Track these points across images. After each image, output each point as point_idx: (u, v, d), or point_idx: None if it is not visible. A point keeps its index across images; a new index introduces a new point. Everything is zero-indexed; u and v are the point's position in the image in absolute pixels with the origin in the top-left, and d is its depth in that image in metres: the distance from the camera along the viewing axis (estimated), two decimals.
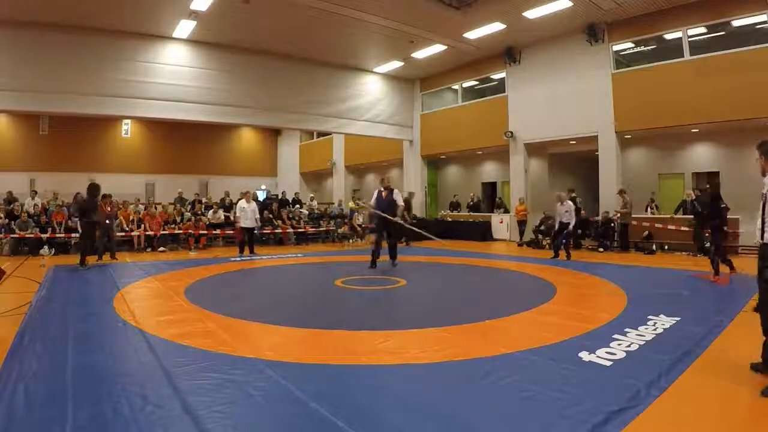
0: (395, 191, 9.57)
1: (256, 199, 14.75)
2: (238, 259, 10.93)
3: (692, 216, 10.40)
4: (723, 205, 8.64)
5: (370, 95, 17.86)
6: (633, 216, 12.13)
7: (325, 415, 2.69)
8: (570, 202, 10.47)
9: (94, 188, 9.80)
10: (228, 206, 15.17)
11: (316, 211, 17.16)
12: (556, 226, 10.57)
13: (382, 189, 9.51)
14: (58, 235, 12.18)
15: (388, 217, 9.15)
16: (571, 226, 10.31)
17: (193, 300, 6.03)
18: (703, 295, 6.49)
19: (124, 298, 6.16)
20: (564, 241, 10.43)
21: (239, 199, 12.11)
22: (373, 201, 9.53)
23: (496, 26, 13.37)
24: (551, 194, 14.00)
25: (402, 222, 9.54)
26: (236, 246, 12.39)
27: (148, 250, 12.63)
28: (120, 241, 12.29)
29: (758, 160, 3.31)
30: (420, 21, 13.04)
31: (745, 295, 6.13)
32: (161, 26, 13.06)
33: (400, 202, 9.45)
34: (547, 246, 12.83)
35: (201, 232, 13.51)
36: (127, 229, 12.73)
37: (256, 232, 12.27)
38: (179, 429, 2.56)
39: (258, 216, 11.94)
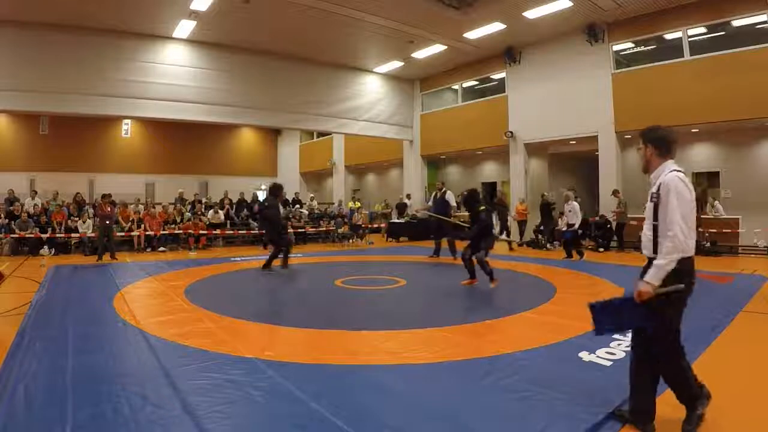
0: (447, 192, 10.28)
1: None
2: (311, 254, 11.88)
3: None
4: (482, 208, 7.00)
5: (370, 95, 17.85)
6: (631, 216, 12.13)
7: (325, 415, 2.69)
8: (574, 202, 10.51)
9: (276, 189, 9.37)
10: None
11: (316, 211, 17.17)
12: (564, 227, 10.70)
13: (438, 191, 10.40)
14: (58, 235, 12.18)
15: (441, 217, 9.83)
16: (576, 226, 10.32)
17: (193, 300, 6.02)
18: (703, 294, 6.46)
19: (124, 298, 6.16)
20: (571, 240, 10.55)
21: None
22: (430, 202, 10.42)
23: (496, 26, 13.36)
24: (551, 194, 14.04)
25: (455, 222, 9.82)
26: (238, 246, 12.41)
27: (148, 250, 12.63)
28: (120, 241, 12.29)
29: (641, 149, 2.64)
30: (420, 21, 13.03)
31: (747, 295, 6.12)
32: (161, 26, 13.05)
33: (453, 203, 10.13)
34: (548, 246, 12.85)
35: (201, 232, 13.51)
36: (125, 228, 12.74)
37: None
38: (179, 429, 2.56)
39: (289, 215, 12.94)
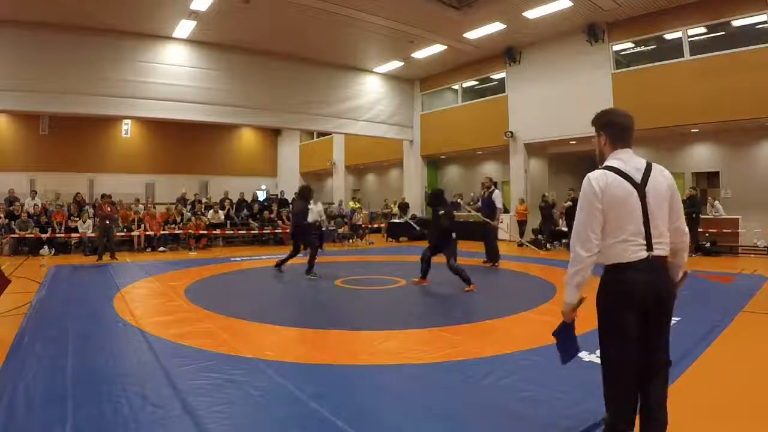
0: (495, 192, 9.37)
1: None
2: (301, 255, 11.49)
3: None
4: (441, 212, 6.84)
5: (370, 95, 17.85)
6: None
7: (325, 415, 2.69)
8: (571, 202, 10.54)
9: (305, 191, 8.78)
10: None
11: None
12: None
13: (486, 189, 9.61)
14: (58, 235, 12.18)
15: (486, 220, 9.29)
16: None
17: (193, 300, 6.03)
18: (703, 294, 6.47)
19: (124, 298, 6.16)
20: None
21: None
22: (479, 203, 9.88)
23: (496, 26, 13.36)
24: (551, 194, 14.04)
25: (494, 224, 9.38)
26: (238, 246, 12.41)
27: (148, 250, 12.63)
28: (120, 241, 12.29)
29: (596, 138, 2.26)
30: (420, 21, 13.03)
31: (747, 295, 6.12)
32: (161, 26, 13.05)
33: (499, 204, 9.29)
34: (548, 246, 12.86)
35: (201, 232, 13.51)
36: (122, 228, 12.75)
37: (323, 228, 13.10)
38: (179, 429, 2.56)
39: (324, 216, 13.09)
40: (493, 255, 9.37)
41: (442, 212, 6.80)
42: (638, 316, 2.01)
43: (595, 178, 2.05)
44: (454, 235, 6.92)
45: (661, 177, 2.07)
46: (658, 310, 2.03)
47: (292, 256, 8.73)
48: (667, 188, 2.07)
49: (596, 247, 2.00)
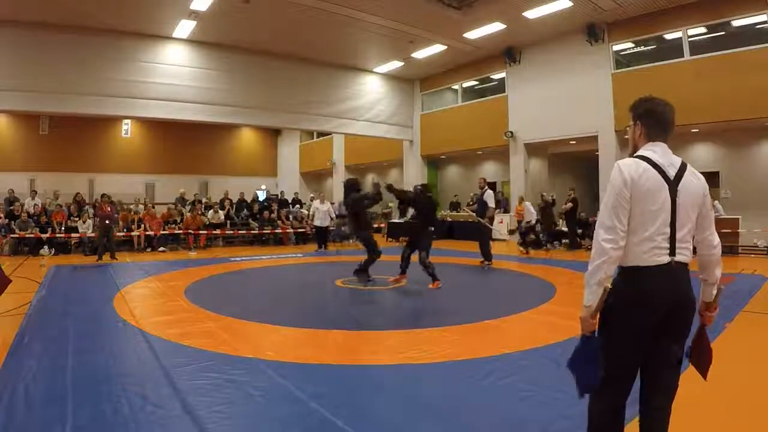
0: (487, 192, 9.58)
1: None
2: (314, 253, 12.31)
3: None
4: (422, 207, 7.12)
5: (370, 95, 17.85)
6: None
7: (325, 415, 2.69)
8: (528, 203, 12.00)
9: (354, 183, 7.56)
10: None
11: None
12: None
13: (480, 189, 10.00)
14: (58, 235, 12.18)
15: (479, 219, 9.53)
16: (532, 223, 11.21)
17: (193, 300, 6.03)
18: None
19: (124, 298, 6.16)
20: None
21: (313, 199, 14.42)
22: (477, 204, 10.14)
23: (496, 26, 13.36)
24: (551, 194, 14.03)
25: (484, 223, 9.49)
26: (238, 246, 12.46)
27: (148, 250, 12.63)
28: (120, 241, 12.29)
29: (630, 128, 2.05)
30: (420, 21, 13.03)
31: (747, 295, 6.12)
32: (161, 26, 13.05)
33: (491, 204, 9.47)
34: (548, 246, 12.86)
35: (200, 231, 13.51)
36: (122, 228, 12.76)
37: (331, 229, 13.73)
38: (179, 429, 2.56)
39: (333, 215, 13.67)
40: (486, 254, 9.41)
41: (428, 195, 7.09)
42: (650, 330, 1.80)
43: (626, 165, 1.85)
44: (431, 228, 6.92)
45: (696, 179, 1.87)
46: (676, 322, 1.83)
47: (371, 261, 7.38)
48: (701, 192, 1.87)
49: (622, 239, 1.77)
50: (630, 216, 1.79)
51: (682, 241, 1.81)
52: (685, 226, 1.81)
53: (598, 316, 1.81)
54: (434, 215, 7.34)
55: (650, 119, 1.95)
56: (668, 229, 1.79)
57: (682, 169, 1.86)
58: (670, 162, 1.86)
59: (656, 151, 1.88)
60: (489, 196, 9.52)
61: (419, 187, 7.39)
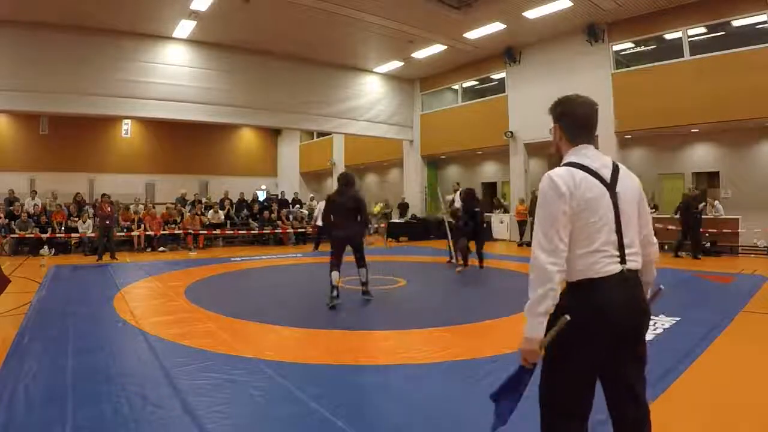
0: (457, 192, 10.44)
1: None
2: (313, 253, 12.19)
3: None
4: (477, 209, 8.88)
5: (370, 95, 17.85)
6: None
7: (325, 415, 2.69)
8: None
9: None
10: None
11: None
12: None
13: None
14: (58, 235, 12.18)
15: (448, 218, 10.06)
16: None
17: (193, 300, 6.03)
18: (703, 295, 6.48)
19: (124, 298, 6.16)
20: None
21: (313, 199, 14.32)
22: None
23: (496, 26, 13.35)
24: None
25: (449, 221, 10.07)
26: (238, 246, 12.46)
27: (148, 250, 12.63)
28: (120, 241, 12.29)
29: (551, 130, 1.95)
30: (420, 21, 13.02)
31: (747, 295, 6.12)
32: (161, 26, 13.04)
33: (456, 204, 10.07)
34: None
35: (200, 231, 13.51)
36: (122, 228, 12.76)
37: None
38: (179, 429, 2.56)
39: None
40: (454, 252, 9.94)
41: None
42: (605, 349, 1.65)
43: (560, 176, 1.69)
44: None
45: (630, 178, 1.78)
46: (634, 334, 1.70)
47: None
48: (637, 191, 1.78)
49: (563, 260, 1.62)
50: (573, 230, 1.64)
51: (630, 247, 1.69)
52: (630, 230, 1.71)
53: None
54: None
55: (569, 121, 1.83)
56: (615, 237, 1.66)
57: (616, 169, 1.76)
58: (603, 164, 1.75)
59: (588, 155, 1.76)
60: (456, 198, 10.36)
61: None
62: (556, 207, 1.64)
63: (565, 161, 1.79)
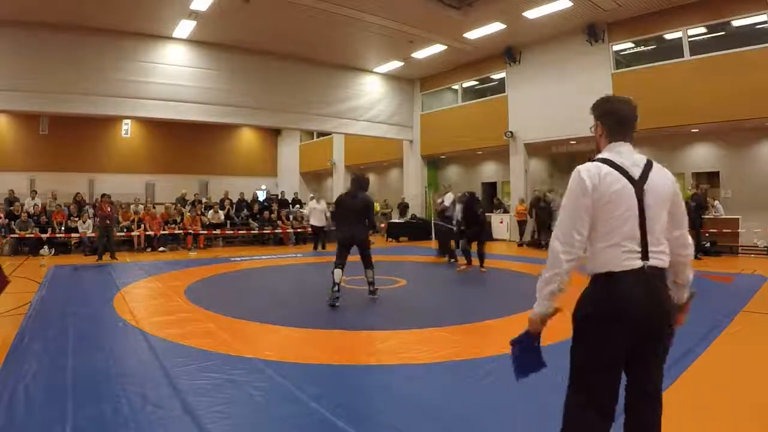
0: (446, 195, 10.69)
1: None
2: (312, 253, 12.31)
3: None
4: (480, 211, 9.04)
5: (370, 95, 17.85)
6: None
7: (325, 415, 2.69)
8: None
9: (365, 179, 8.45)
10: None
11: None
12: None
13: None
14: (58, 235, 12.18)
15: (440, 222, 10.36)
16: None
17: (193, 300, 6.03)
18: (703, 294, 6.47)
19: (124, 298, 6.16)
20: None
21: (311, 199, 14.29)
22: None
23: (496, 26, 13.35)
24: (553, 195, 14.03)
25: (439, 223, 10.40)
26: (238, 246, 12.46)
27: (148, 250, 12.63)
28: (120, 241, 12.29)
29: (593, 128, 2.00)
30: (420, 21, 13.02)
31: (747, 295, 6.12)
32: (161, 26, 13.04)
33: (445, 205, 10.45)
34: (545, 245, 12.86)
35: (200, 231, 13.51)
36: (125, 227, 12.76)
37: (325, 229, 13.22)
38: (179, 429, 2.56)
39: (329, 215, 13.28)
40: (442, 251, 10.41)
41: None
42: (627, 341, 1.70)
43: (587, 170, 1.76)
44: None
45: (663, 177, 1.80)
46: (653, 332, 1.73)
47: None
48: (670, 190, 1.80)
49: (579, 250, 1.72)
50: (596, 222, 1.73)
51: (654, 245, 1.72)
52: (655, 228, 1.73)
53: (547, 322, 1.83)
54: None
55: (611, 119, 1.91)
56: (638, 233, 1.71)
57: (648, 167, 1.80)
58: (634, 162, 1.80)
59: (620, 152, 1.83)
60: (447, 198, 10.66)
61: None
62: (579, 201, 1.74)
63: (598, 156, 1.87)
